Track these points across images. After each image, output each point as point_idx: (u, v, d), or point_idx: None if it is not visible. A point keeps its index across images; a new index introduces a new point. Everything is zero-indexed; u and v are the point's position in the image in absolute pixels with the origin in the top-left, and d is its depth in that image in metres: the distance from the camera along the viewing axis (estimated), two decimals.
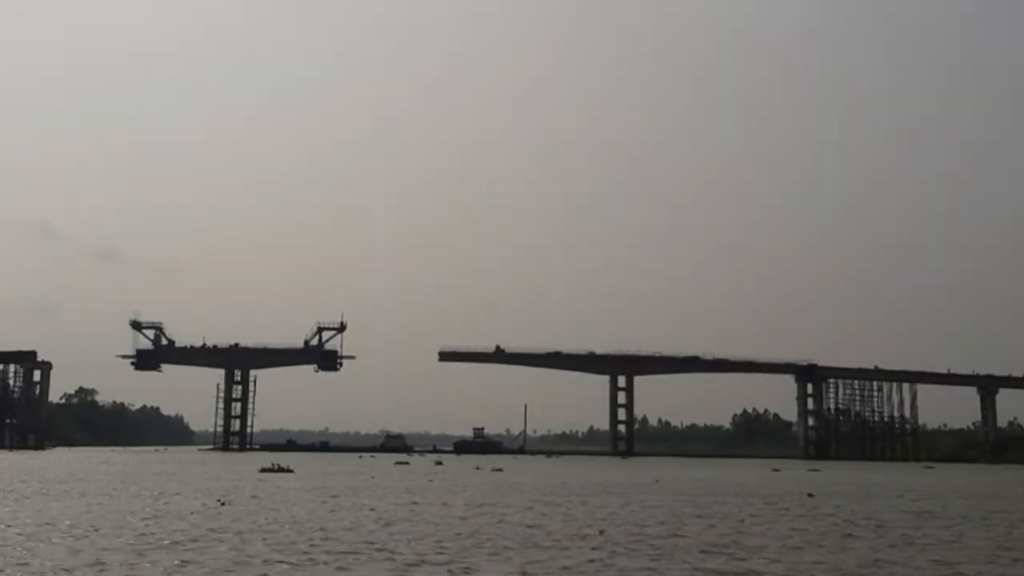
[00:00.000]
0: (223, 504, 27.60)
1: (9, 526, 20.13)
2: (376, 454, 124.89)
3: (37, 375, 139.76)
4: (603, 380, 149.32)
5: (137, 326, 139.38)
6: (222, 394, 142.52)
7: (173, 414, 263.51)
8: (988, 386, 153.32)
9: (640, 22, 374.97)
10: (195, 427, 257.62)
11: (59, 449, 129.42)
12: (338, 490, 36.63)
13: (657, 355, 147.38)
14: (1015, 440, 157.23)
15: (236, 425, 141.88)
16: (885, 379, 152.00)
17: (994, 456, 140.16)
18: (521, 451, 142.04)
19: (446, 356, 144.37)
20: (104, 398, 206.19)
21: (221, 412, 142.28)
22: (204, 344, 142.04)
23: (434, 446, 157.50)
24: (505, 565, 15.46)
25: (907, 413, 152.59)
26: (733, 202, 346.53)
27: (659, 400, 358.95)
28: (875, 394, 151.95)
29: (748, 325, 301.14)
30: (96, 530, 19.63)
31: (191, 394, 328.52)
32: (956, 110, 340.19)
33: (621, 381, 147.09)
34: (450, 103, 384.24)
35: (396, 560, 15.78)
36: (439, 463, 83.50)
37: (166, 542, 17.69)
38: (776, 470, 76.52)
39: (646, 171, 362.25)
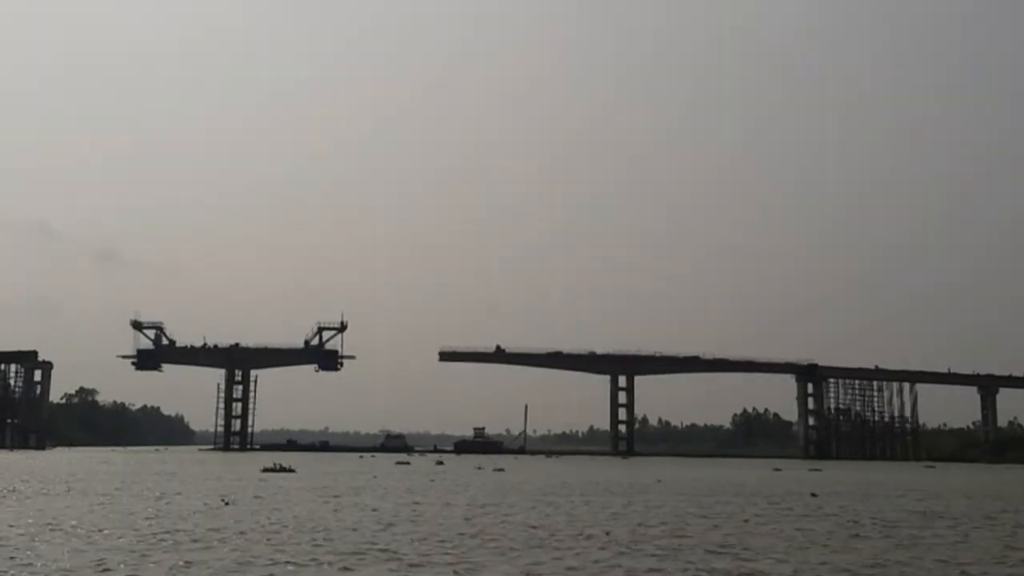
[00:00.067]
0: (227, 504, 27.55)
1: (11, 526, 20.08)
2: (377, 454, 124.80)
3: (38, 375, 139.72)
4: (603, 380, 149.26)
5: (138, 326, 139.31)
6: (222, 394, 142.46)
7: (173, 414, 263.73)
8: (988, 386, 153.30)
9: (640, 22, 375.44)
10: (195, 427, 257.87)
11: (60, 449, 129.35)
12: (340, 490, 36.57)
13: (657, 355, 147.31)
14: (1015, 440, 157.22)
15: (236, 425, 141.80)
16: (885, 379, 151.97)
17: (994, 456, 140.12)
18: (522, 451, 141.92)
19: (446, 356, 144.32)
20: (104, 398, 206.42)
21: (222, 412, 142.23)
22: (205, 344, 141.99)
23: (434, 446, 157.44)
24: (510, 565, 15.41)
25: (907, 413, 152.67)
26: (733, 202, 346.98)
27: (659, 400, 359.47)
28: (875, 394, 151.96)
29: (748, 325, 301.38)
30: (99, 530, 19.57)
31: (191, 394, 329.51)
32: (956, 110, 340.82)
33: (622, 381, 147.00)
34: (450, 103, 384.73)
35: (401, 560, 15.72)
36: (440, 463, 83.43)
37: (169, 542, 17.64)
38: (777, 470, 76.48)
39: (646, 171, 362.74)
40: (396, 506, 27.90)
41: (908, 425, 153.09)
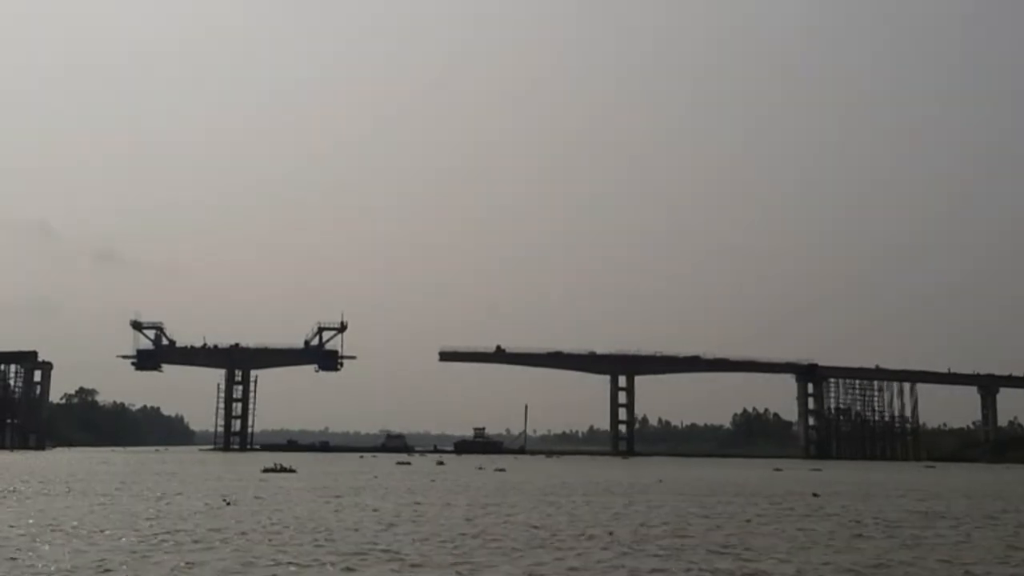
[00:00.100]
0: (228, 504, 27.53)
1: (12, 527, 20.04)
2: (377, 454, 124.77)
3: (38, 375, 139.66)
4: (603, 380, 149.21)
5: (138, 326, 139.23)
6: (223, 394, 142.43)
7: (173, 414, 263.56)
8: (988, 385, 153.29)
9: (640, 22, 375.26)
10: (195, 427, 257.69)
11: (59, 449, 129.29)
12: (341, 490, 36.54)
13: (658, 355, 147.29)
14: (1015, 440, 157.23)
15: (236, 425, 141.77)
16: (886, 379, 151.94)
17: (994, 456, 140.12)
18: (522, 451, 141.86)
19: (447, 356, 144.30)
20: (104, 398, 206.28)
21: (222, 412, 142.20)
22: (205, 344, 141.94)
23: (435, 446, 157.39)
24: (513, 566, 15.38)
25: (908, 413, 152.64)
26: (733, 202, 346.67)
27: (659, 400, 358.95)
28: (876, 394, 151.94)
29: (748, 325, 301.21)
30: (100, 531, 19.55)
31: (191, 394, 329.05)
32: (956, 110, 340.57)
33: (622, 381, 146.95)
34: (450, 103, 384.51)
35: (403, 561, 15.70)
36: (441, 463, 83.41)
37: (171, 543, 17.61)
38: (778, 470, 76.47)
39: (646, 171, 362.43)
40: (398, 506, 27.88)
41: (908, 425, 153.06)
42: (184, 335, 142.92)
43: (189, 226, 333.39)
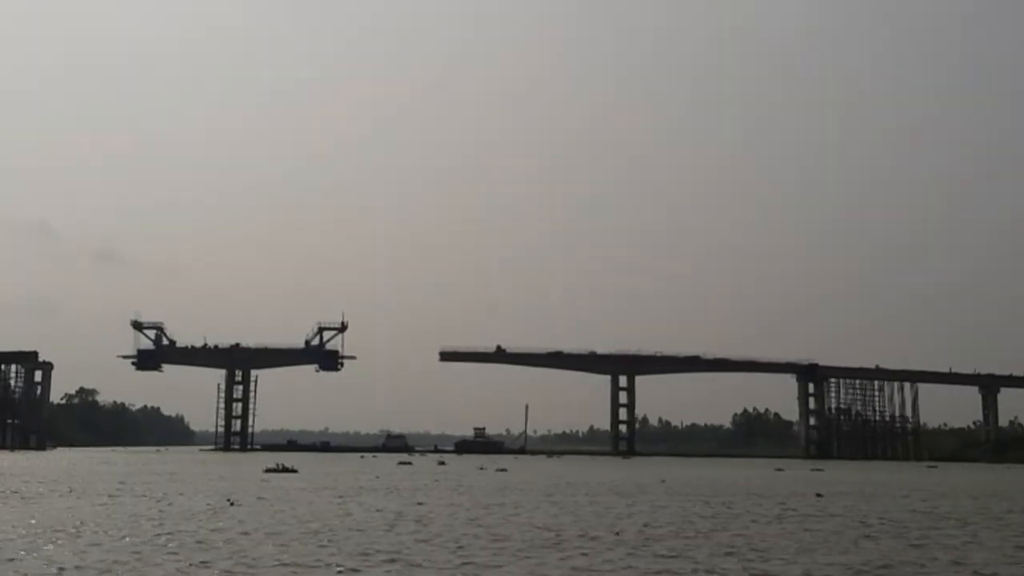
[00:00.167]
0: (232, 504, 27.45)
1: (15, 528, 19.94)
2: (378, 454, 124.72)
3: (38, 375, 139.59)
4: (603, 380, 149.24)
5: (138, 326, 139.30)
6: (223, 394, 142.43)
7: (173, 414, 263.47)
8: (989, 385, 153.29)
9: (640, 22, 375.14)
10: (195, 427, 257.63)
11: (60, 449, 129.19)
12: (344, 491, 36.45)
13: (659, 355, 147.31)
14: (1016, 439, 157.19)
15: (237, 425, 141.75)
16: (886, 378, 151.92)
17: (995, 455, 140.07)
18: (522, 451, 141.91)
19: (447, 356, 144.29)
20: (104, 398, 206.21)
21: (222, 412, 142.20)
22: (205, 344, 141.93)
23: (435, 446, 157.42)
24: (518, 566, 15.29)
25: (908, 412, 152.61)
26: (733, 202, 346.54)
27: (659, 400, 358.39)
28: (876, 393, 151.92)
29: (748, 325, 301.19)
30: (104, 532, 19.44)
31: (191, 394, 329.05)
32: (956, 110, 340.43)
33: (622, 381, 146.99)
34: (450, 103, 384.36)
35: (408, 561, 15.60)
36: (442, 463, 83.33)
37: (175, 544, 17.52)
38: (780, 470, 76.43)
39: (646, 171, 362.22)
40: (401, 506, 27.78)
41: (909, 425, 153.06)
42: (184, 335, 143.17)
43: (189, 226, 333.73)
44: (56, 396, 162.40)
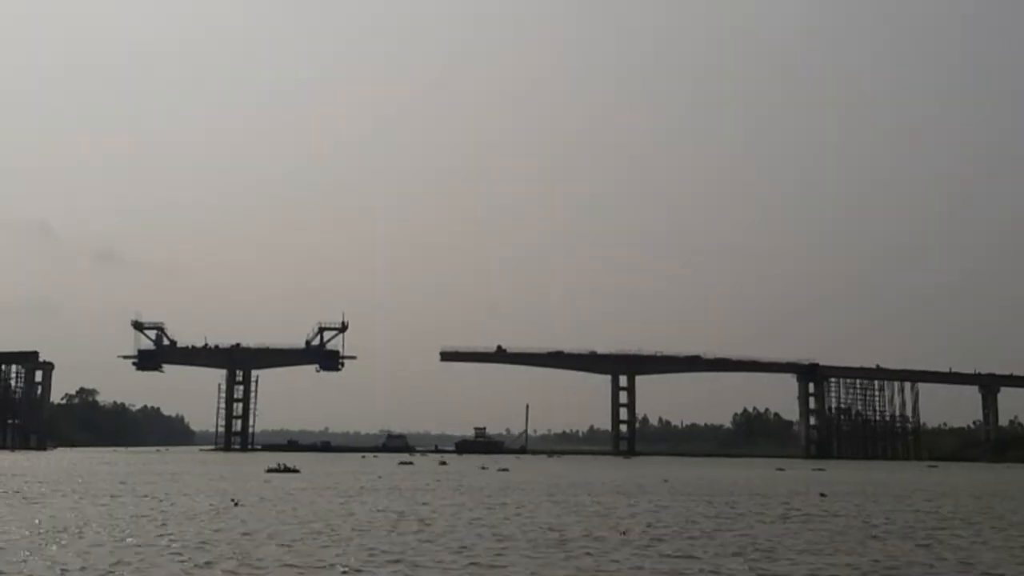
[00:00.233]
0: (236, 504, 27.42)
1: (19, 528, 19.88)
2: (378, 454, 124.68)
3: (39, 376, 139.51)
4: (603, 380, 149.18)
5: (139, 326, 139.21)
6: (223, 394, 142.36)
7: (174, 414, 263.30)
8: (989, 385, 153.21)
9: (640, 22, 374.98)
10: (195, 427, 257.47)
11: (61, 450, 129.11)
12: (347, 491, 36.40)
13: (659, 355, 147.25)
14: (1016, 439, 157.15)
15: (237, 425, 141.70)
16: (887, 378, 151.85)
17: (995, 455, 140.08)
18: (523, 451, 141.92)
19: (448, 356, 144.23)
20: (104, 398, 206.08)
21: (223, 412, 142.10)
22: (206, 344, 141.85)
23: (436, 446, 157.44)
24: (526, 566, 15.24)
25: (908, 412, 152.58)
26: (733, 202, 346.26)
27: (659, 400, 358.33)
28: (876, 393, 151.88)
29: (748, 325, 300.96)
30: (107, 533, 19.39)
31: (191, 394, 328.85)
32: (956, 110, 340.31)
33: (623, 381, 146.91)
34: (450, 103, 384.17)
35: (413, 561, 15.56)
36: (443, 463, 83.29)
37: (178, 544, 17.46)
38: (781, 469, 76.44)
39: (646, 171, 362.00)
40: (404, 507, 27.74)
41: (909, 425, 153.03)
42: (184, 335, 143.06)
43: (189, 226, 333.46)
44: (56, 396, 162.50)
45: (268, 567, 14.91)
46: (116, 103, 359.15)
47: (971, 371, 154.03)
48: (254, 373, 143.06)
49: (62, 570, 14.29)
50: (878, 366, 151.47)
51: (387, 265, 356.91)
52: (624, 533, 20.33)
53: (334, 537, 18.99)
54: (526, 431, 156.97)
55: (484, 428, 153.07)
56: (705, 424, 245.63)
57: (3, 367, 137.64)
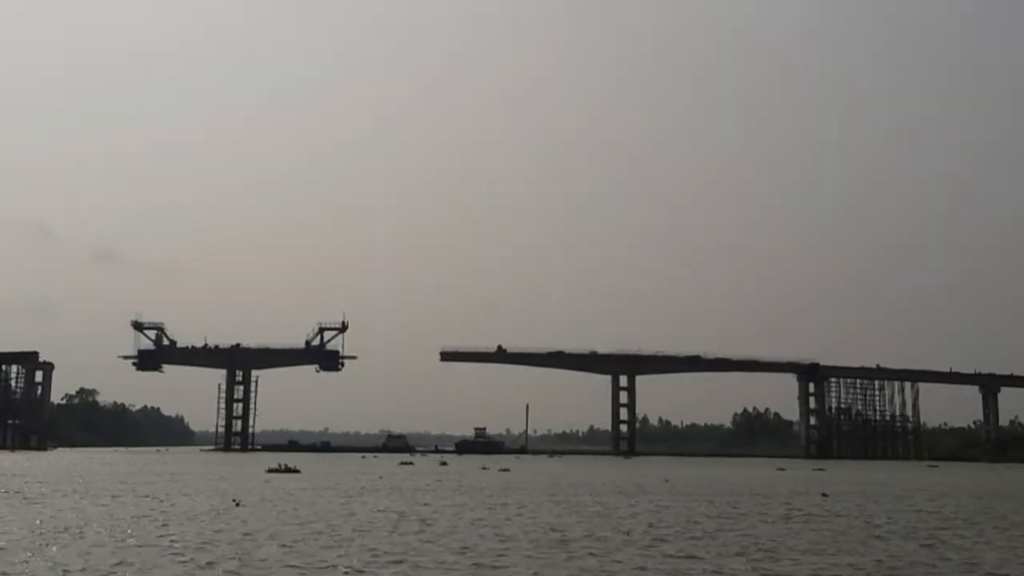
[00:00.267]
0: (238, 505, 27.39)
1: (21, 529, 19.84)
2: (378, 454, 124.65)
3: (39, 376, 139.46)
4: (603, 380, 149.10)
5: (139, 327, 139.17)
6: (224, 394, 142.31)
7: (174, 415, 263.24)
8: (990, 385, 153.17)
9: (640, 22, 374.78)
10: (195, 427, 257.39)
11: (61, 450, 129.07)
12: (348, 491, 36.37)
13: (659, 355, 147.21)
14: (1016, 439, 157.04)
15: (237, 425, 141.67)
16: (887, 378, 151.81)
17: (996, 455, 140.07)
18: (523, 451, 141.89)
19: (448, 356, 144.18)
20: (104, 399, 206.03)
21: (223, 412, 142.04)
22: (206, 344, 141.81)
23: (436, 446, 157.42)
24: (529, 566, 15.21)
25: (909, 412, 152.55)
26: (733, 202, 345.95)
27: (659, 400, 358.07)
28: (877, 393, 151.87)
29: (748, 325, 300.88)
30: (109, 533, 19.36)
31: (191, 395, 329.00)
32: (956, 110, 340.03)
33: (623, 381, 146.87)
34: (450, 103, 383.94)
35: (415, 562, 15.53)
36: (444, 463, 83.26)
37: (180, 545, 17.43)
38: (781, 469, 76.42)
39: (646, 171, 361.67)
40: (406, 507, 27.71)
41: (909, 424, 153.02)
42: (184, 335, 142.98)
43: (189, 226, 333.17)
44: (56, 396, 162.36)
45: (270, 568, 14.88)
46: (116, 103, 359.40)
47: (971, 371, 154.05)
48: (254, 373, 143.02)
49: (64, 571, 14.26)
50: (878, 366, 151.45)
51: (387, 265, 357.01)
52: (628, 533, 20.31)
53: (336, 538, 18.96)
54: (526, 431, 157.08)
55: (484, 428, 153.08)
56: (705, 424, 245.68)
57: (3, 367, 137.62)
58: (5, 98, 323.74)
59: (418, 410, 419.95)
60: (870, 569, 15.51)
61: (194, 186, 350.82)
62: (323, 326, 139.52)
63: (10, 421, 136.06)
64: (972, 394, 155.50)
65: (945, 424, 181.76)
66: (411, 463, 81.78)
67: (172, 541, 17.95)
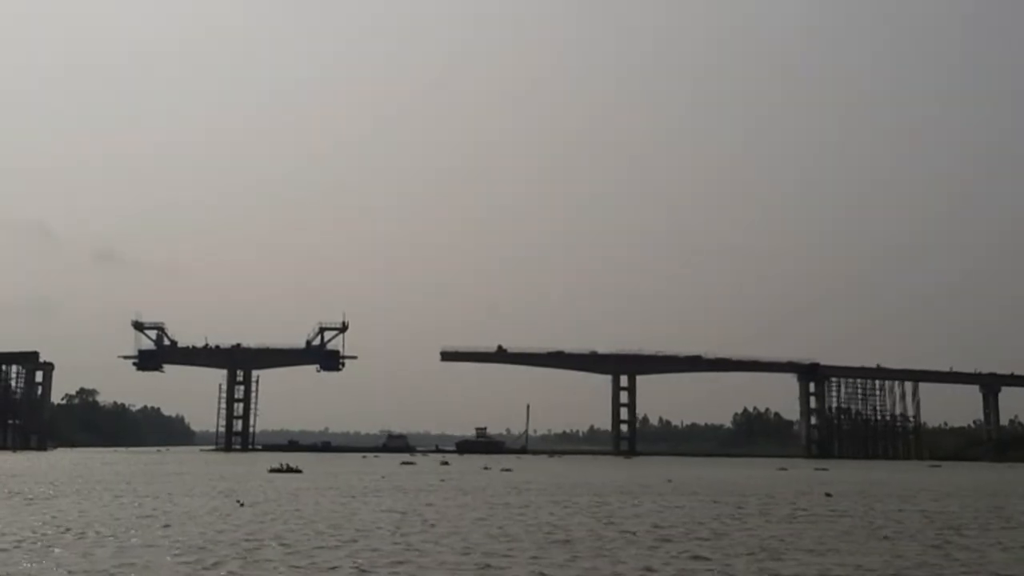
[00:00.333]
0: (241, 505, 27.32)
1: (23, 529, 19.75)
2: (379, 454, 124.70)
3: (39, 376, 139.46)
4: (604, 380, 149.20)
5: (139, 327, 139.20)
6: (224, 394, 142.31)
7: (174, 415, 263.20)
8: (990, 384, 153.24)
9: (640, 22, 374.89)
10: (196, 427, 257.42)
11: (61, 450, 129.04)
12: (351, 491, 36.30)
13: (660, 354, 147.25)
14: (1017, 439, 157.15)
15: (238, 425, 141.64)
16: (887, 377, 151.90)
17: (997, 455, 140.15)
18: (524, 451, 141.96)
19: (448, 356, 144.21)
20: (104, 399, 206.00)
21: (223, 412, 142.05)
22: (206, 344, 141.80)
23: (436, 446, 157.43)
24: (533, 567, 15.12)
25: (909, 412, 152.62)
26: (733, 202, 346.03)
27: (659, 399, 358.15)
28: (877, 393, 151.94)
29: (748, 325, 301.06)
30: (111, 534, 19.26)
31: (191, 395, 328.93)
32: (956, 110, 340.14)
33: (623, 381, 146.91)
34: (450, 103, 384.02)
35: (419, 562, 15.44)
36: (445, 463, 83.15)
37: (185, 545, 17.35)
38: (783, 469, 76.37)
39: (646, 171, 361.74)
40: (409, 507, 27.64)
41: (910, 424, 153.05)
42: (184, 335, 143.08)
43: (189, 226, 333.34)
44: (57, 397, 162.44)
45: (274, 568, 14.80)
46: (116, 103, 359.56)
47: (972, 371, 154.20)
48: (255, 373, 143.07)
49: (68, 572, 14.17)
50: (879, 366, 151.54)
51: (387, 265, 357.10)
52: (635, 533, 20.23)
53: (339, 538, 18.87)
54: (527, 431, 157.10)
55: (485, 428, 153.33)
56: (705, 424, 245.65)
57: (3, 367, 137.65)
58: (5, 98, 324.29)
59: (418, 410, 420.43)
60: (878, 570, 15.42)
61: (194, 186, 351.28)
62: (323, 326, 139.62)
63: (10, 421, 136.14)
64: (973, 394, 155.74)
65: (945, 424, 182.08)
66: (413, 463, 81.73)
67: (175, 542, 17.86)
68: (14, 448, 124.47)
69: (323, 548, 17.18)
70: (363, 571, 14.58)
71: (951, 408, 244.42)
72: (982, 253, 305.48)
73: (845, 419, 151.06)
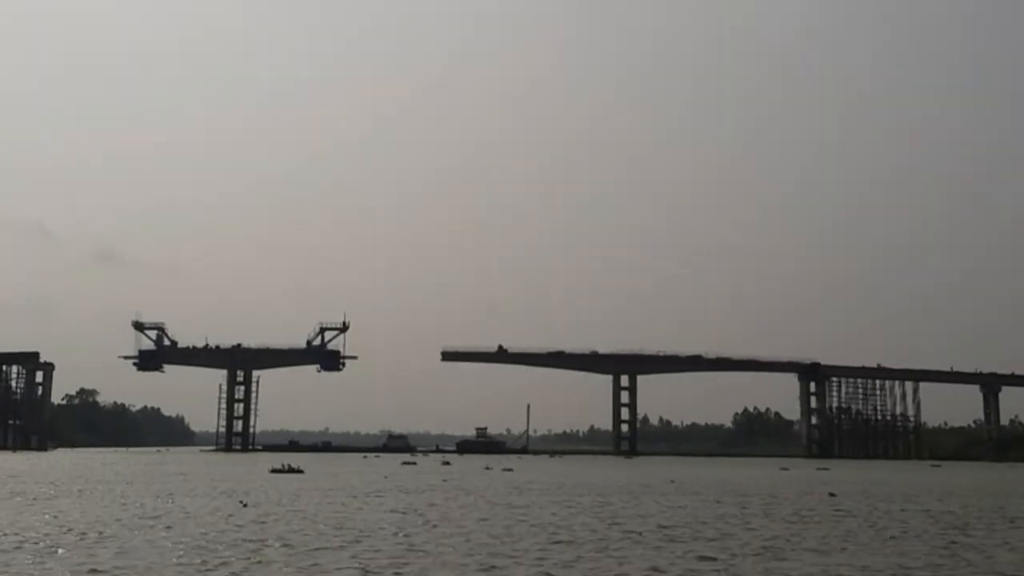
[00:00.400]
0: (245, 505, 27.25)
1: (25, 530, 19.68)
2: (380, 454, 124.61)
3: (39, 376, 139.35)
4: (604, 380, 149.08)
5: (139, 327, 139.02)
6: (224, 395, 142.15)
7: (174, 415, 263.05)
8: (991, 384, 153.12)
9: (640, 22, 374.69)
10: (196, 428, 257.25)
11: (61, 450, 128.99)
12: (353, 491, 36.23)
13: (660, 354, 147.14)
14: (1018, 439, 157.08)
15: (238, 426, 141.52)
16: (888, 377, 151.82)
17: (997, 454, 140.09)
18: (524, 451, 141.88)
19: (449, 356, 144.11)
20: (105, 399, 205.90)
21: (223, 413, 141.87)
22: (206, 345, 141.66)
23: (437, 446, 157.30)
24: (539, 566, 15.05)
25: (910, 411, 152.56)
26: (733, 202, 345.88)
27: (659, 399, 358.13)
28: (878, 392, 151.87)
29: (748, 325, 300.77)
30: (113, 534, 19.20)
31: (191, 395, 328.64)
32: (956, 110, 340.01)
33: (624, 380, 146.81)
34: (450, 103, 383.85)
35: (423, 563, 15.38)
36: (446, 463, 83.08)
37: (185, 545, 17.27)
38: (785, 469, 76.31)
39: (646, 171, 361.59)
40: (413, 506, 27.56)
41: (910, 424, 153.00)
42: (184, 335, 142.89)
43: (189, 226, 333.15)
44: (57, 397, 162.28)
45: (277, 569, 14.73)
46: (116, 103, 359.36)
47: (972, 370, 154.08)
48: (255, 373, 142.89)
49: (71, 572, 14.10)
50: (879, 365, 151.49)
51: (387, 265, 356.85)
52: (641, 534, 20.16)
53: (343, 538, 18.80)
54: (527, 431, 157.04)
55: (486, 428, 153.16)
56: (706, 424, 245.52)
57: (4, 368, 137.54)
58: (5, 98, 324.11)
59: (419, 410, 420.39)
60: (887, 570, 15.35)
61: (194, 186, 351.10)
62: (324, 326, 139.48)
63: (11, 421, 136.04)
64: (973, 393, 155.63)
65: (946, 423, 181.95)
66: (414, 463, 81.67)
67: (178, 542, 17.78)
68: (14, 448, 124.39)
69: (326, 549, 17.10)
70: (367, 572, 14.50)
71: (951, 408, 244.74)
72: (982, 253, 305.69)
73: (845, 419, 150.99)
